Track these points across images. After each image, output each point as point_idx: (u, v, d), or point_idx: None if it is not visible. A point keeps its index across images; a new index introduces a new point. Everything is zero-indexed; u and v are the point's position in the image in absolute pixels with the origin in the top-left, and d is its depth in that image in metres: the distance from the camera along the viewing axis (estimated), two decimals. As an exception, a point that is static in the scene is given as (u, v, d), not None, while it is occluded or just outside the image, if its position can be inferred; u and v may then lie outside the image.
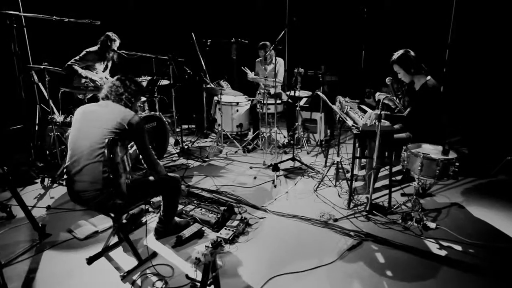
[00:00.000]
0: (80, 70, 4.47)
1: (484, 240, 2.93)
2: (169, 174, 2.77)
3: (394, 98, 3.24)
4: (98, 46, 4.62)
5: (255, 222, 3.20)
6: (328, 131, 5.55)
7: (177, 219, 3.08)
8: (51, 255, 2.72)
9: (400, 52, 3.38)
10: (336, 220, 3.22)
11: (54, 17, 3.84)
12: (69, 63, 4.45)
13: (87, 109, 2.54)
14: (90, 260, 2.63)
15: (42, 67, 3.79)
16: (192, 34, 4.99)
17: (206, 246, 2.78)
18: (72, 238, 2.93)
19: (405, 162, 3.10)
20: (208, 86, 5.19)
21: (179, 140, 5.13)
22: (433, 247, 2.85)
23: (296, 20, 6.46)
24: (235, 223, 3.06)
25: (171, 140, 5.14)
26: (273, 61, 5.40)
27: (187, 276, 2.38)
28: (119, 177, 2.38)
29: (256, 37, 5.46)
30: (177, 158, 4.75)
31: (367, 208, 3.28)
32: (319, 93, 3.95)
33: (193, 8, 6.33)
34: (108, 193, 2.37)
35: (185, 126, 6.20)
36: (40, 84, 4.49)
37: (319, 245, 2.86)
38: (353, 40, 6.02)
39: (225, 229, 2.99)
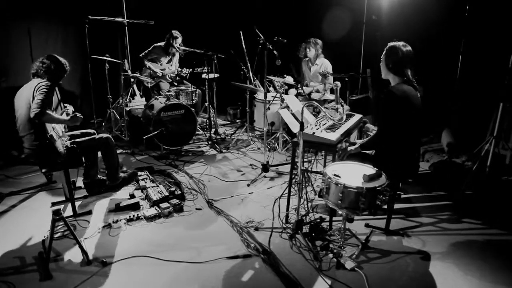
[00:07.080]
0: (145, 62, 5.47)
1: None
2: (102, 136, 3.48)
3: (316, 105, 2.73)
4: (165, 41, 5.51)
5: (188, 210, 3.37)
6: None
7: (122, 174, 3.77)
8: (40, 195, 3.70)
9: (396, 43, 2.80)
10: (257, 229, 3.04)
11: (117, 18, 4.89)
12: (140, 55, 5.51)
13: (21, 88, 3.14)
14: (53, 204, 3.45)
15: (104, 58, 4.91)
16: (240, 32, 5.26)
17: (128, 216, 3.20)
18: (64, 188, 3.85)
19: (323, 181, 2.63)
20: (235, 83, 5.37)
21: (218, 131, 5.58)
22: (320, 287, 2.38)
23: (376, 19, 5.79)
24: (166, 205, 3.32)
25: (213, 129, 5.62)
26: (317, 62, 5.09)
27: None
28: (53, 142, 3.08)
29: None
30: (205, 145, 5.21)
31: (293, 227, 2.94)
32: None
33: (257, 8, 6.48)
34: (38, 151, 3.08)
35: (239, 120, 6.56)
36: (129, 71, 5.73)
37: (211, 245, 2.83)
38: (448, 42, 4.89)
39: (155, 208, 3.31)
